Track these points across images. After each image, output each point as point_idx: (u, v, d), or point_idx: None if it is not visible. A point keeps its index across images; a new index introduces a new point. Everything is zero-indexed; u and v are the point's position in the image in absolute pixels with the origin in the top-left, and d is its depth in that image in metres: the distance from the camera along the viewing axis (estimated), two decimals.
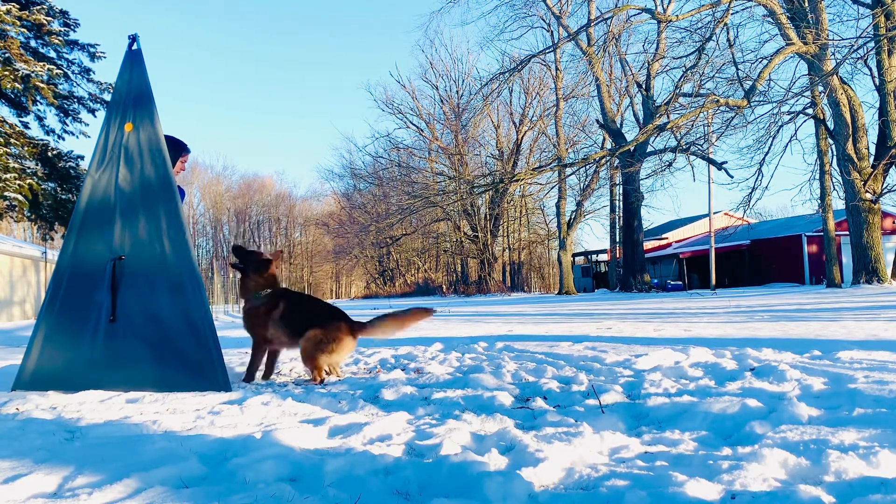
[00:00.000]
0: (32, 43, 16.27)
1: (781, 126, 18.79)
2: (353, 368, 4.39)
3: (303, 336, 3.82)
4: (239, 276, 4.15)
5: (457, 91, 44.92)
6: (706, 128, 21.66)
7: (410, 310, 4.00)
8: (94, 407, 2.99)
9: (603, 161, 25.43)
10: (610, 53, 28.11)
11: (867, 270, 17.70)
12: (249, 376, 3.94)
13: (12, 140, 15.29)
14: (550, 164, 33.80)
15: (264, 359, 4.08)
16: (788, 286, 26.41)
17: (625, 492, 1.61)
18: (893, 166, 18.19)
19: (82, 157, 17.21)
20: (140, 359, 3.50)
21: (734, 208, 21.95)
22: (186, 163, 4.68)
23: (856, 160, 17.84)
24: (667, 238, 41.54)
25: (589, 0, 26.73)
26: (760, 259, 33.25)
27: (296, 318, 3.90)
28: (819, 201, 19.70)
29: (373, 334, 3.98)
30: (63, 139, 17.72)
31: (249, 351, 5.71)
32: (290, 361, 4.72)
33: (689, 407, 2.57)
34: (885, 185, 18.23)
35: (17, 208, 15.72)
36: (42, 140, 16.52)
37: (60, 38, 16.20)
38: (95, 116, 17.97)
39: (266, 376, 4.06)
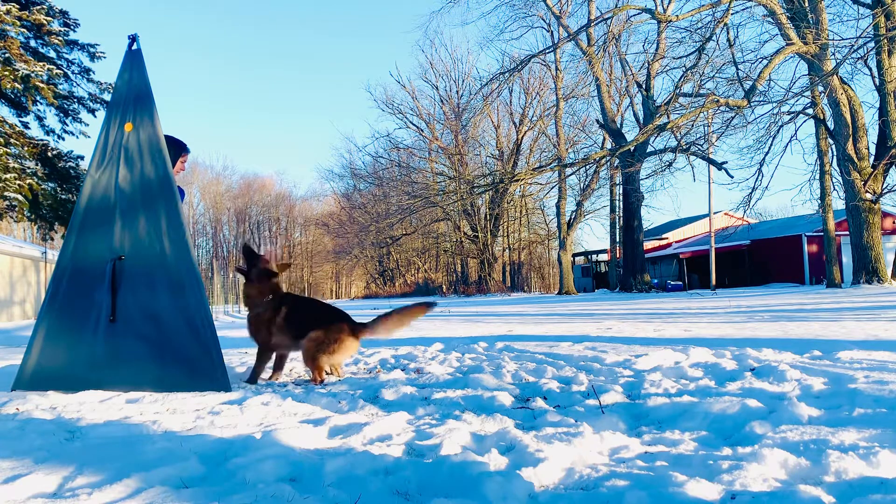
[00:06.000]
0: (32, 43, 16.25)
1: (781, 126, 18.79)
2: (353, 368, 4.39)
3: (305, 337, 3.83)
4: (243, 280, 4.14)
5: (457, 91, 44.96)
6: (706, 128, 21.67)
7: (413, 305, 4.02)
8: (94, 407, 2.99)
9: (603, 161, 25.43)
10: (610, 53, 28.10)
11: (867, 270, 17.69)
12: (253, 379, 3.92)
13: (12, 140, 15.29)
14: (550, 164, 33.79)
15: (269, 363, 4.08)
16: (788, 286, 26.40)
17: (625, 492, 1.61)
18: (893, 166, 18.17)
19: (82, 157, 17.20)
20: (140, 358, 3.50)
21: (734, 208, 21.95)
22: (186, 163, 4.68)
23: (856, 160, 17.83)
24: (667, 238, 41.53)
25: (589, 0, 26.72)
26: (760, 259, 33.24)
27: (298, 322, 3.90)
28: (819, 201, 19.69)
29: (375, 334, 3.98)
30: (63, 139, 17.71)
31: (249, 351, 5.73)
32: (291, 361, 4.72)
33: (689, 407, 2.57)
34: (885, 185, 18.21)
35: (17, 208, 15.71)
36: (42, 140, 16.51)
37: (60, 38, 16.19)
38: (95, 116, 17.96)
39: (275, 377, 4.05)
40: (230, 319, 15.09)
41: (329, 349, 3.78)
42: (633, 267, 28.44)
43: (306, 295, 54.82)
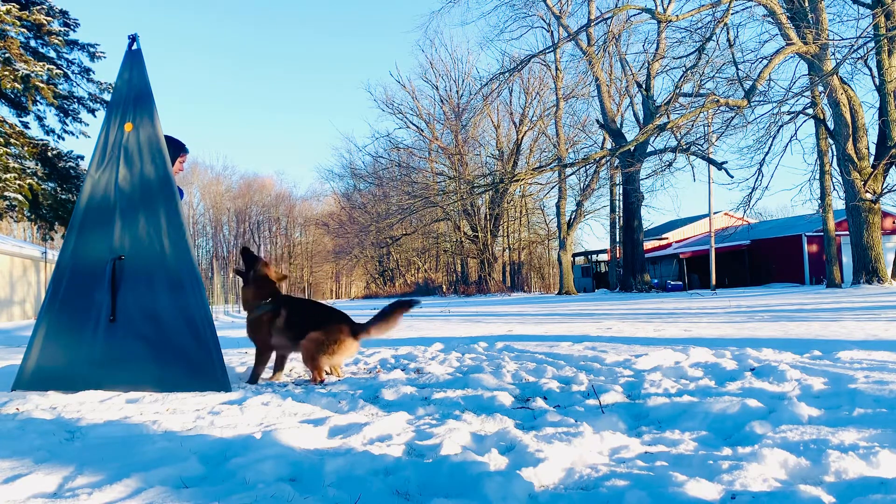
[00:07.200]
0: (32, 43, 16.27)
1: (781, 126, 18.78)
2: (353, 368, 4.40)
3: (304, 338, 3.84)
4: (241, 283, 4.16)
5: (457, 91, 44.96)
6: (706, 128, 21.67)
7: (397, 304, 4.01)
8: (94, 407, 2.99)
9: (603, 161, 25.43)
10: (610, 53, 28.11)
11: (867, 270, 17.69)
12: (253, 380, 3.93)
13: (12, 140, 15.29)
14: (550, 164, 33.79)
15: (269, 363, 4.09)
16: (788, 286, 26.40)
17: (625, 492, 1.61)
18: (893, 166, 18.17)
19: (82, 157, 17.23)
20: (140, 358, 3.50)
21: (734, 208, 21.95)
22: (186, 163, 4.69)
23: (856, 160, 17.83)
24: (667, 238, 41.54)
25: (589, 0, 26.72)
26: (760, 259, 33.24)
27: (298, 324, 3.91)
28: (819, 201, 19.69)
29: (372, 335, 3.99)
30: (63, 139, 17.74)
31: (249, 351, 5.73)
32: (291, 361, 4.72)
33: (689, 407, 2.57)
34: (885, 185, 18.20)
35: (17, 208, 15.72)
36: (42, 140, 16.52)
37: (60, 38, 16.20)
38: (95, 116, 17.99)
39: (276, 377, 4.06)
40: (230, 319, 15.09)
41: (329, 350, 3.79)
42: (633, 267, 28.44)
43: (306, 296, 54.85)
